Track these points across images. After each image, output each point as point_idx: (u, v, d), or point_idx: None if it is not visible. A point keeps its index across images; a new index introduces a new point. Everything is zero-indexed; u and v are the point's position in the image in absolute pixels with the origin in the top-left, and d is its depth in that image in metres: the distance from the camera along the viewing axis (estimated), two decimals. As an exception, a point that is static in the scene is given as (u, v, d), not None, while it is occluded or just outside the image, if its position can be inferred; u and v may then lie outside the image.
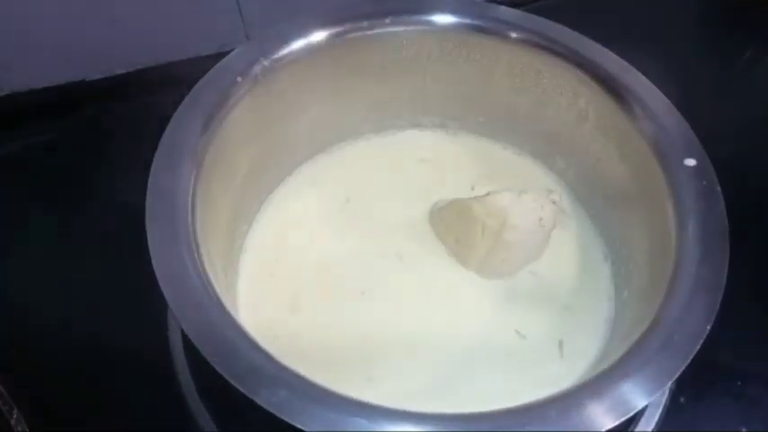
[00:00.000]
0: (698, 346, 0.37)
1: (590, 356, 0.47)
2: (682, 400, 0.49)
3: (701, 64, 0.71)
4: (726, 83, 0.70)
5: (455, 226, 0.52)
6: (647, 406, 0.47)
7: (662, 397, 0.49)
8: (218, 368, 0.33)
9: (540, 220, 0.49)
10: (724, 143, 0.57)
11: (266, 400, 0.32)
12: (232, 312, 0.38)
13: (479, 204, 0.50)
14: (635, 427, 0.47)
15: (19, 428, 0.44)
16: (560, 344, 0.49)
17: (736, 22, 0.76)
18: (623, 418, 0.34)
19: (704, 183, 0.43)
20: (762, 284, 0.56)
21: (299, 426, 0.32)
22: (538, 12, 0.52)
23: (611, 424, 0.33)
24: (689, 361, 0.36)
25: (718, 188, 0.43)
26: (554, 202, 0.50)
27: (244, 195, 0.52)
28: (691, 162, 0.44)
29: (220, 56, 0.48)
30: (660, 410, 0.48)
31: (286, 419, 0.32)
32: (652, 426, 0.47)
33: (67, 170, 0.60)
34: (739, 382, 0.51)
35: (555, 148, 0.56)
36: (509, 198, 0.49)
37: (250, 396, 0.32)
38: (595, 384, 0.35)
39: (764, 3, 0.75)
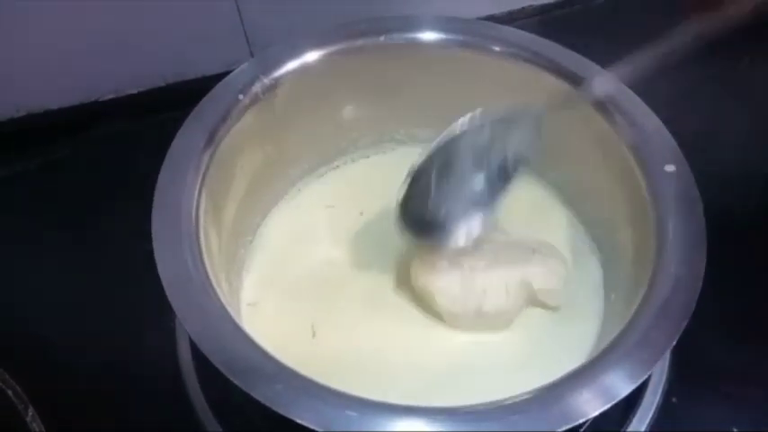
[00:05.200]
0: (674, 342, 0.38)
1: (580, 357, 0.47)
2: (674, 400, 0.50)
3: (698, 70, 0.72)
4: (724, 89, 0.69)
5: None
6: (639, 406, 0.49)
7: (654, 397, 0.49)
8: (217, 365, 0.35)
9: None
10: (719, 150, 0.59)
11: (262, 394, 0.34)
12: (234, 316, 0.39)
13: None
14: (627, 426, 0.48)
15: (34, 425, 0.45)
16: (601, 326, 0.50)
17: (734, 28, 0.76)
18: (598, 411, 0.35)
19: (683, 188, 0.44)
20: (751, 286, 0.56)
21: (293, 418, 0.33)
22: (532, 26, 0.54)
23: (585, 417, 0.35)
24: (662, 356, 0.37)
25: (697, 192, 0.44)
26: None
27: (247, 208, 0.53)
28: (670, 168, 0.45)
29: (226, 75, 0.50)
30: (652, 410, 0.49)
31: (281, 412, 0.33)
32: (644, 425, 0.48)
33: (81, 187, 0.62)
34: (731, 383, 0.51)
35: (547, 160, 0.56)
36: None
37: (247, 391, 0.34)
38: (573, 378, 0.37)
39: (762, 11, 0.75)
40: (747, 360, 0.53)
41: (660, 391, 0.50)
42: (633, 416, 0.48)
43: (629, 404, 0.49)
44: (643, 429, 0.48)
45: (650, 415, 0.49)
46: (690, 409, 0.50)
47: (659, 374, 0.50)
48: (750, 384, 0.52)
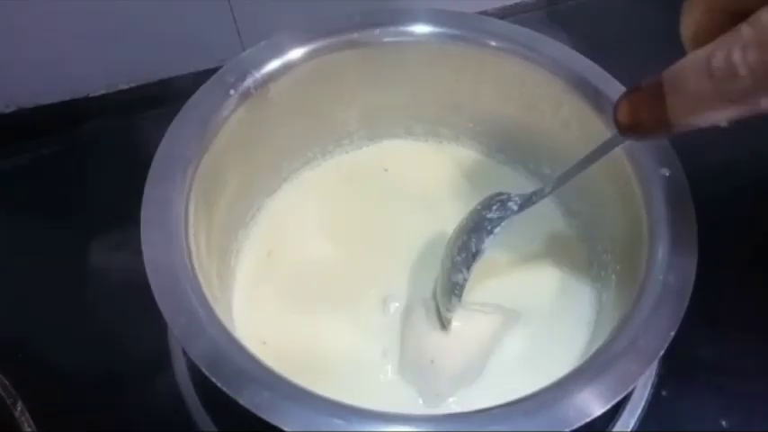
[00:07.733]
0: (662, 351, 0.37)
1: (573, 359, 0.48)
2: (664, 393, 0.50)
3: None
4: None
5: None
6: (629, 400, 0.49)
7: (644, 390, 0.50)
8: (204, 370, 0.35)
9: None
10: (714, 154, 0.58)
11: (249, 400, 0.34)
12: (225, 318, 0.39)
13: None
14: (618, 419, 0.48)
15: (23, 419, 0.45)
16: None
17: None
18: (578, 424, 0.35)
19: (676, 192, 0.44)
20: (740, 284, 0.56)
21: (279, 425, 0.33)
22: (529, 21, 0.53)
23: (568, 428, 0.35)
24: (650, 366, 0.37)
25: (690, 197, 0.44)
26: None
27: (239, 203, 0.53)
28: (665, 172, 0.45)
29: (218, 70, 0.49)
30: (643, 403, 0.49)
31: (266, 419, 0.33)
32: (635, 418, 0.49)
33: (72, 182, 0.62)
34: (721, 376, 0.52)
35: (541, 156, 0.57)
36: None
37: (233, 396, 0.34)
38: (558, 387, 0.36)
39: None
40: (737, 353, 0.53)
41: (650, 384, 0.50)
42: (623, 410, 0.49)
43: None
44: (633, 423, 0.49)
45: (640, 408, 0.49)
46: (680, 402, 0.50)
47: (649, 368, 0.50)
48: (740, 377, 0.52)
